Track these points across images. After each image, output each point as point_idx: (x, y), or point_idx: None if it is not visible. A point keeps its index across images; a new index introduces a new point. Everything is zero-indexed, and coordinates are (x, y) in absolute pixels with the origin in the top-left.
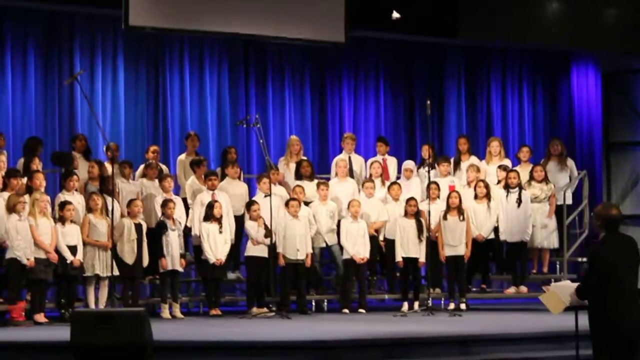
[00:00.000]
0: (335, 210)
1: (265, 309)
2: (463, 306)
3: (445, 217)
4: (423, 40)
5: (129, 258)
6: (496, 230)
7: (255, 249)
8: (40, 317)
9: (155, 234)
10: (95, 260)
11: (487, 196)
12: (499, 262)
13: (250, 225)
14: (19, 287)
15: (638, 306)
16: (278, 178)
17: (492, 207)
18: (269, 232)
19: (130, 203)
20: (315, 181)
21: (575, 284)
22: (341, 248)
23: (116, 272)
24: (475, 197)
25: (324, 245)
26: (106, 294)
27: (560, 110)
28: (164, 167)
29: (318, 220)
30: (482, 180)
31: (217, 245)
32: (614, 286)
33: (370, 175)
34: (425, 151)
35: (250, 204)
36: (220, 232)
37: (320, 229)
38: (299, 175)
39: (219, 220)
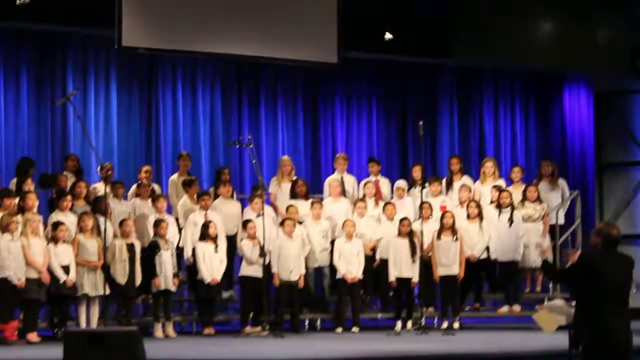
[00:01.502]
0: (328, 230)
1: (258, 328)
2: (456, 325)
3: (438, 237)
4: (415, 61)
5: (121, 278)
6: (489, 249)
7: (250, 269)
8: (33, 337)
9: (148, 254)
10: (84, 279)
11: (479, 216)
12: (492, 281)
13: (245, 245)
14: (11, 307)
15: (627, 321)
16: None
17: (484, 226)
18: (263, 252)
19: (121, 223)
20: (310, 200)
21: (568, 303)
22: (333, 269)
23: (107, 292)
24: (468, 217)
25: (315, 264)
26: (97, 314)
27: (553, 130)
28: (156, 187)
29: (311, 240)
30: (474, 200)
31: (212, 265)
32: (603, 297)
33: (364, 195)
34: (417, 172)
35: (246, 222)
36: (216, 251)
37: (314, 249)
38: (293, 195)
39: (214, 240)
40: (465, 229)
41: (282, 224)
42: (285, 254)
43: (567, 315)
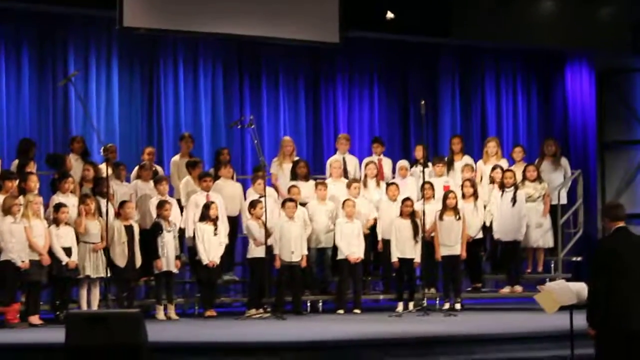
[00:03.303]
0: (334, 211)
1: (260, 310)
2: (458, 306)
3: (441, 217)
4: (417, 41)
5: (120, 261)
6: (489, 229)
7: (257, 250)
8: (34, 319)
9: (151, 235)
10: (86, 261)
11: (474, 195)
12: (493, 261)
13: (252, 225)
14: (13, 289)
15: None
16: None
17: (479, 205)
18: (267, 233)
19: (122, 205)
20: (311, 181)
21: (570, 284)
22: (334, 249)
23: (109, 274)
24: (463, 196)
25: (319, 245)
26: (98, 295)
27: (555, 109)
28: (159, 168)
29: (316, 221)
30: (469, 179)
31: (211, 247)
32: (620, 281)
33: (366, 175)
34: (419, 151)
35: (255, 203)
36: (215, 233)
37: (319, 230)
38: (294, 176)
39: (214, 222)
40: (460, 208)
41: (283, 205)
42: (287, 235)
43: (578, 295)
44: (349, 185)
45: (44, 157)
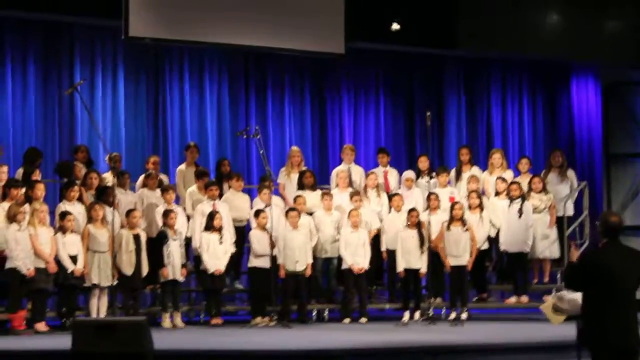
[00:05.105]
0: (339, 221)
1: (266, 319)
2: (464, 316)
3: (448, 228)
4: (423, 52)
5: (128, 269)
6: (496, 240)
7: (258, 260)
8: (41, 326)
9: (157, 244)
10: (93, 270)
11: (480, 206)
12: (500, 272)
13: (254, 235)
14: (19, 297)
15: (635, 319)
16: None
17: (484, 217)
18: (272, 243)
19: (128, 213)
20: (318, 191)
21: (576, 294)
22: (339, 259)
23: (116, 282)
24: (469, 207)
25: (325, 255)
26: (106, 303)
27: (561, 121)
28: (164, 177)
29: (322, 231)
30: (475, 191)
31: (217, 256)
32: (608, 296)
33: (366, 186)
34: (423, 162)
35: (258, 213)
36: (221, 242)
37: (325, 239)
38: (301, 185)
39: (219, 231)
40: (466, 219)
41: (286, 215)
42: (291, 244)
43: (575, 306)
44: (351, 197)
45: (52, 166)
